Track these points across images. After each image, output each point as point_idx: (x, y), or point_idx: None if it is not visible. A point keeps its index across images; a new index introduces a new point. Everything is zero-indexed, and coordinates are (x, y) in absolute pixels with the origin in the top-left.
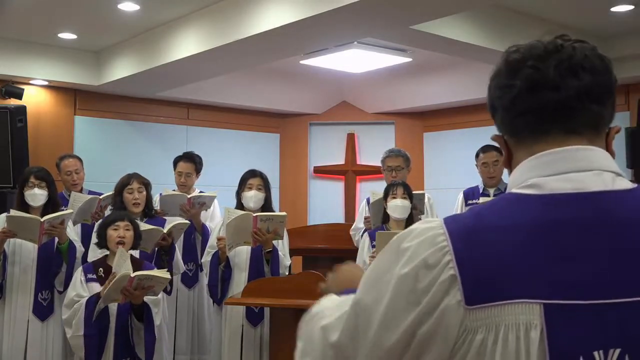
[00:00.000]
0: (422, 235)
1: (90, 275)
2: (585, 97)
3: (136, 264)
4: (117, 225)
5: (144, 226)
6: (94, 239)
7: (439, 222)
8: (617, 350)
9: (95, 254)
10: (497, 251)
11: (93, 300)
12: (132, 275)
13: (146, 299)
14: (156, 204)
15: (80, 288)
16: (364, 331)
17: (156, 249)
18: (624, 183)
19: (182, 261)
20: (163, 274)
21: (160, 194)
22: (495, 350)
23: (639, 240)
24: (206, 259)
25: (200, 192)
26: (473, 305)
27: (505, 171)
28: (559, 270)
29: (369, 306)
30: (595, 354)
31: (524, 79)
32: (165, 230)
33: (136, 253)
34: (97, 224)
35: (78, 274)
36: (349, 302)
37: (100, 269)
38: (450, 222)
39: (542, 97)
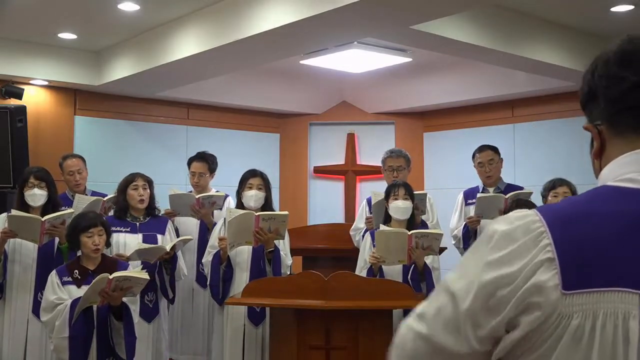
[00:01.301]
0: (518, 221)
1: (65, 278)
2: None
3: (111, 264)
4: (91, 232)
5: (146, 245)
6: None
7: (532, 210)
8: None
9: None
10: (597, 238)
11: (77, 302)
12: (110, 277)
13: (124, 298)
14: (158, 204)
15: (59, 291)
16: (455, 317)
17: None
18: None
19: (184, 267)
20: (141, 274)
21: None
22: (594, 337)
23: None
24: (207, 258)
25: (217, 191)
26: (570, 290)
27: (503, 171)
28: None
29: (461, 294)
30: None
31: (637, 73)
32: (169, 248)
33: (138, 263)
34: (67, 226)
35: (53, 278)
36: (440, 293)
37: (75, 270)
38: (545, 210)
39: None
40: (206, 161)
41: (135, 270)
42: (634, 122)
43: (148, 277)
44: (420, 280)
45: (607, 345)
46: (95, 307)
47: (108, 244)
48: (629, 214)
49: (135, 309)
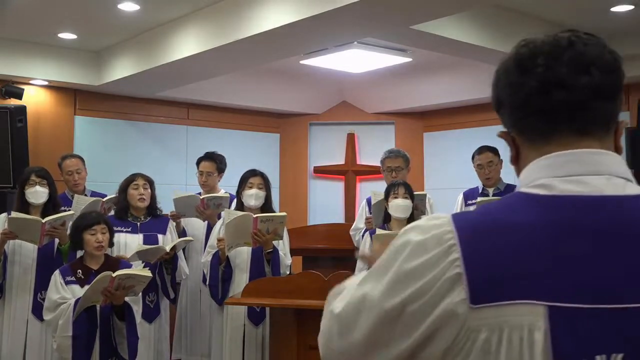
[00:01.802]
0: (430, 232)
1: (68, 278)
2: (598, 96)
3: (113, 263)
4: (94, 230)
5: (146, 246)
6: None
7: (447, 218)
8: (620, 356)
9: None
10: (504, 250)
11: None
12: (113, 275)
13: (126, 298)
14: (160, 204)
15: (62, 290)
16: (364, 318)
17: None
18: (635, 188)
19: (186, 268)
20: (143, 271)
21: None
22: (500, 350)
23: None
24: (206, 258)
25: (225, 192)
26: (477, 305)
27: (504, 171)
28: (566, 272)
29: (372, 297)
30: (598, 357)
31: (535, 78)
32: (168, 249)
33: (139, 264)
34: (70, 226)
35: (56, 277)
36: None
37: (79, 270)
38: (459, 219)
39: (554, 96)
40: (215, 161)
41: (138, 269)
42: (539, 127)
43: (151, 275)
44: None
45: (514, 359)
46: (98, 306)
47: (111, 243)
48: (536, 223)
49: (137, 309)
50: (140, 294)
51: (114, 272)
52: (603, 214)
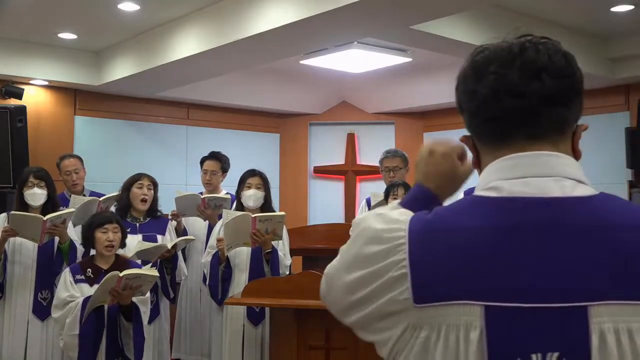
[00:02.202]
0: (388, 224)
1: (78, 276)
2: (549, 101)
3: (123, 264)
4: (106, 228)
5: (147, 245)
6: (77, 238)
7: (407, 217)
8: (555, 354)
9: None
10: (447, 252)
11: (89, 300)
12: (121, 275)
13: (134, 298)
14: (161, 207)
15: (71, 289)
16: (334, 285)
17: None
18: (585, 190)
19: (185, 268)
20: (151, 271)
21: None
22: (437, 348)
23: (585, 247)
24: (206, 259)
25: (226, 193)
26: (420, 304)
27: None
28: (504, 273)
29: (337, 269)
30: (534, 356)
31: (487, 86)
32: (169, 246)
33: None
34: (83, 224)
35: (66, 276)
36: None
37: (89, 269)
38: (414, 221)
39: (505, 104)
40: (219, 160)
41: (145, 268)
42: (492, 132)
43: (157, 275)
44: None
45: (450, 357)
46: (105, 306)
47: (123, 244)
48: (479, 226)
49: (145, 310)
50: (149, 294)
51: (122, 271)
52: (545, 215)
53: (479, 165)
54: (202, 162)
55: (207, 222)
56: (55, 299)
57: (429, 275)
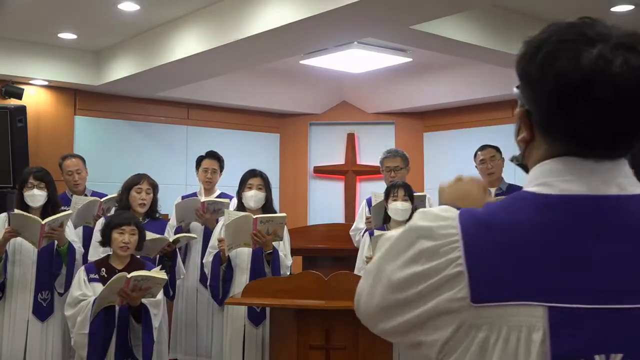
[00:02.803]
0: (437, 222)
1: (92, 275)
2: (636, 128)
3: (138, 265)
4: (123, 229)
5: (150, 235)
6: (97, 237)
7: (456, 213)
8: (619, 356)
9: (97, 252)
10: (506, 251)
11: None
12: (129, 276)
13: (145, 300)
14: (160, 208)
15: (84, 287)
16: (375, 292)
17: (159, 255)
18: (638, 188)
19: (183, 267)
20: (159, 274)
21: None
22: (495, 349)
23: None
24: (207, 259)
25: (221, 193)
26: (478, 304)
27: (505, 171)
28: (566, 273)
29: (385, 269)
30: (597, 357)
31: (588, 109)
32: (171, 240)
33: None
34: (102, 223)
35: (80, 274)
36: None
37: (103, 269)
38: (465, 217)
39: (599, 131)
40: (218, 159)
41: (154, 271)
42: (567, 140)
43: (166, 277)
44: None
45: (509, 358)
46: (117, 307)
47: (140, 246)
48: (538, 224)
49: (157, 312)
50: (161, 297)
51: (130, 273)
52: (603, 214)
53: (527, 145)
54: (199, 160)
55: (203, 225)
56: (68, 296)
57: (487, 274)
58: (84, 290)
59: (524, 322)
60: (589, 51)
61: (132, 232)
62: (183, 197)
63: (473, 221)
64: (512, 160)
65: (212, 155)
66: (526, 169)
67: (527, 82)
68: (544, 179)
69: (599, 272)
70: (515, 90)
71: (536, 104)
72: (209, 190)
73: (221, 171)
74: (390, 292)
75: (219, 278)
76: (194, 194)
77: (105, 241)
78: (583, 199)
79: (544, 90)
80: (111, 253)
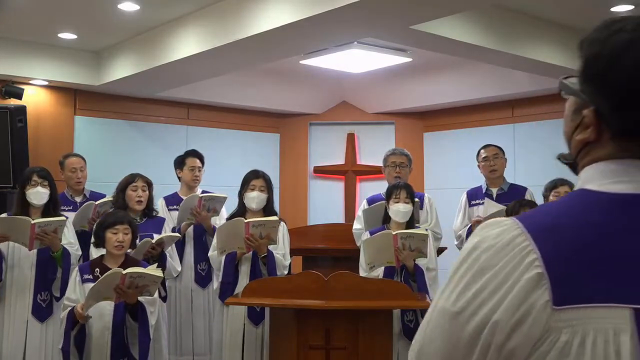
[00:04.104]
0: (499, 238)
1: (86, 276)
2: None
3: (133, 264)
4: (117, 229)
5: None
6: (73, 241)
7: (511, 221)
8: None
9: (100, 252)
10: (583, 250)
11: (72, 314)
12: (124, 272)
13: (142, 298)
14: (157, 206)
15: (72, 291)
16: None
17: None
18: None
19: (175, 265)
20: (155, 271)
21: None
22: (584, 353)
23: None
24: (213, 252)
25: (203, 191)
26: (560, 306)
27: (506, 170)
28: None
29: (445, 307)
30: None
31: None
32: (154, 241)
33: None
34: (96, 223)
35: (74, 275)
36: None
37: (97, 269)
38: (526, 221)
39: None
40: (201, 157)
41: (150, 268)
42: (634, 129)
43: (162, 275)
44: (412, 281)
45: None
46: (111, 304)
47: (134, 245)
48: (615, 223)
49: (153, 310)
50: (157, 295)
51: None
52: None
53: (586, 144)
54: (182, 160)
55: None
56: (64, 298)
57: (567, 274)
58: (70, 295)
59: (610, 324)
60: None
61: (125, 231)
62: (165, 198)
63: (537, 224)
64: (559, 158)
65: (197, 153)
66: (575, 169)
67: (599, 76)
68: (610, 179)
69: None
70: (569, 83)
71: (610, 98)
72: (193, 189)
73: (203, 168)
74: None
75: (232, 276)
76: (175, 194)
77: (99, 241)
78: None
79: (622, 80)
80: (105, 253)
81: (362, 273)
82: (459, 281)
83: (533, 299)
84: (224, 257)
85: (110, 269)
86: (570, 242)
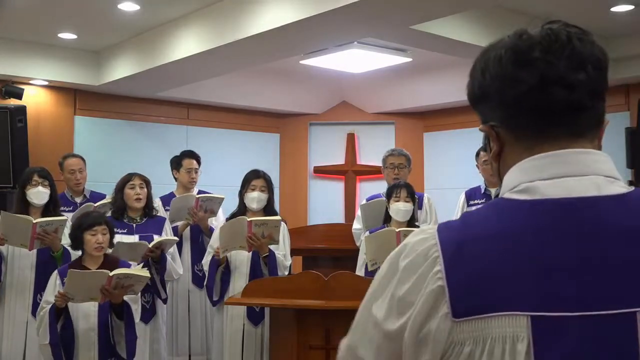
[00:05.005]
0: (416, 250)
1: (66, 278)
2: (595, 95)
3: (112, 263)
4: (95, 230)
5: (129, 238)
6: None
7: (433, 231)
8: None
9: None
10: (484, 262)
11: (54, 308)
12: (111, 274)
13: (125, 297)
14: (156, 204)
15: (51, 294)
16: (370, 341)
17: (148, 259)
18: (618, 187)
19: (177, 267)
20: (141, 272)
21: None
22: None
23: (628, 249)
24: (206, 259)
25: (199, 191)
26: (460, 318)
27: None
28: (547, 281)
29: (376, 321)
30: None
31: (534, 74)
32: (150, 245)
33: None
34: (71, 225)
35: (53, 278)
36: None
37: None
38: (443, 231)
39: (554, 95)
40: (197, 158)
41: (136, 268)
42: (532, 126)
43: (149, 275)
44: None
45: None
46: (94, 305)
47: (111, 244)
48: (515, 232)
49: (137, 308)
50: (140, 293)
51: (112, 271)
52: (584, 217)
53: (498, 158)
54: (179, 161)
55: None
56: (43, 300)
57: (467, 286)
58: (48, 297)
59: (509, 332)
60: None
61: (103, 232)
62: (161, 198)
63: (451, 235)
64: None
65: (193, 154)
66: None
67: (483, 92)
68: (520, 184)
69: (579, 279)
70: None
71: (493, 97)
72: (190, 190)
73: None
74: (384, 342)
75: (214, 280)
76: (172, 194)
77: (77, 244)
78: (562, 203)
79: (500, 74)
80: (83, 255)
81: (358, 271)
82: (383, 297)
83: (436, 312)
84: (209, 260)
85: (90, 270)
86: (474, 253)
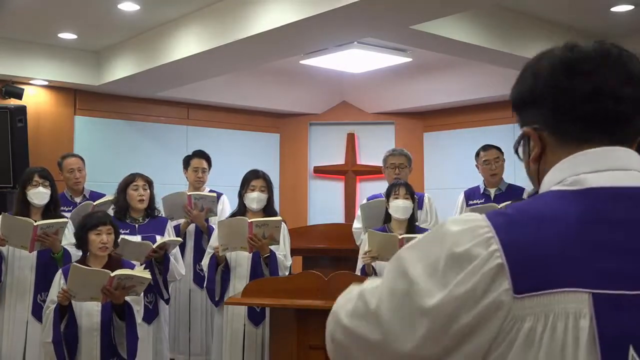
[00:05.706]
0: (466, 225)
1: (68, 274)
2: (637, 109)
3: (116, 263)
4: (100, 230)
5: (132, 239)
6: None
7: (480, 215)
8: None
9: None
10: (544, 240)
11: (59, 307)
12: (112, 274)
13: (127, 297)
14: (158, 205)
15: (55, 293)
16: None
17: (151, 260)
18: None
19: (179, 268)
20: (143, 273)
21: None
22: (543, 338)
23: None
24: (206, 260)
25: (210, 191)
26: (521, 294)
27: (505, 170)
28: (607, 260)
29: (419, 289)
30: None
31: (587, 85)
32: (154, 246)
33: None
34: (76, 225)
35: (57, 277)
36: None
37: None
38: (492, 215)
39: (603, 105)
40: (207, 158)
41: (138, 270)
42: (578, 132)
43: (150, 277)
44: None
45: (557, 347)
46: (97, 305)
47: (116, 244)
48: (575, 213)
49: (139, 309)
50: (142, 294)
51: (113, 272)
52: (635, 204)
53: (538, 160)
54: (188, 160)
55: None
56: (48, 300)
57: (527, 263)
58: (53, 297)
59: (571, 309)
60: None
61: (108, 232)
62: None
63: (501, 218)
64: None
65: (202, 154)
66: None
67: (534, 97)
68: (571, 177)
69: (636, 259)
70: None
71: (543, 102)
72: (198, 190)
73: (209, 169)
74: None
75: (214, 280)
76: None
77: (81, 244)
78: (617, 191)
79: (547, 83)
80: (88, 254)
81: (358, 271)
82: (428, 263)
83: (494, 288)
84: (208, 260)
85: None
86: (532, 233)
